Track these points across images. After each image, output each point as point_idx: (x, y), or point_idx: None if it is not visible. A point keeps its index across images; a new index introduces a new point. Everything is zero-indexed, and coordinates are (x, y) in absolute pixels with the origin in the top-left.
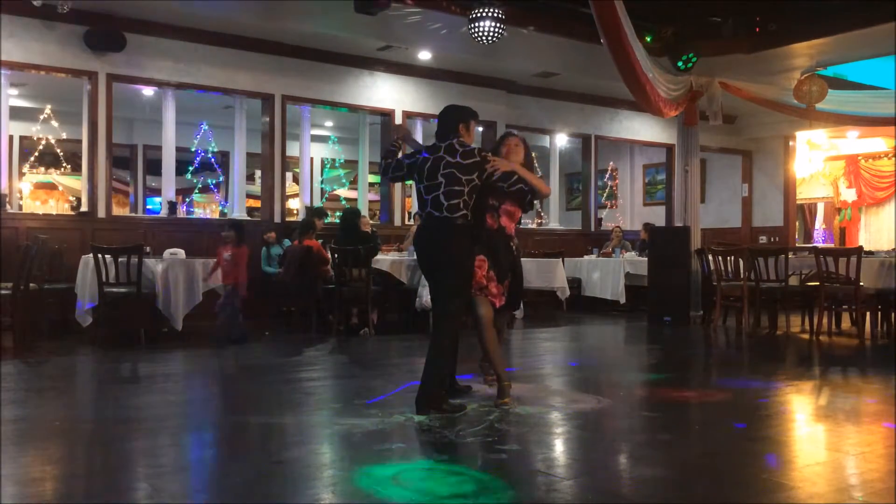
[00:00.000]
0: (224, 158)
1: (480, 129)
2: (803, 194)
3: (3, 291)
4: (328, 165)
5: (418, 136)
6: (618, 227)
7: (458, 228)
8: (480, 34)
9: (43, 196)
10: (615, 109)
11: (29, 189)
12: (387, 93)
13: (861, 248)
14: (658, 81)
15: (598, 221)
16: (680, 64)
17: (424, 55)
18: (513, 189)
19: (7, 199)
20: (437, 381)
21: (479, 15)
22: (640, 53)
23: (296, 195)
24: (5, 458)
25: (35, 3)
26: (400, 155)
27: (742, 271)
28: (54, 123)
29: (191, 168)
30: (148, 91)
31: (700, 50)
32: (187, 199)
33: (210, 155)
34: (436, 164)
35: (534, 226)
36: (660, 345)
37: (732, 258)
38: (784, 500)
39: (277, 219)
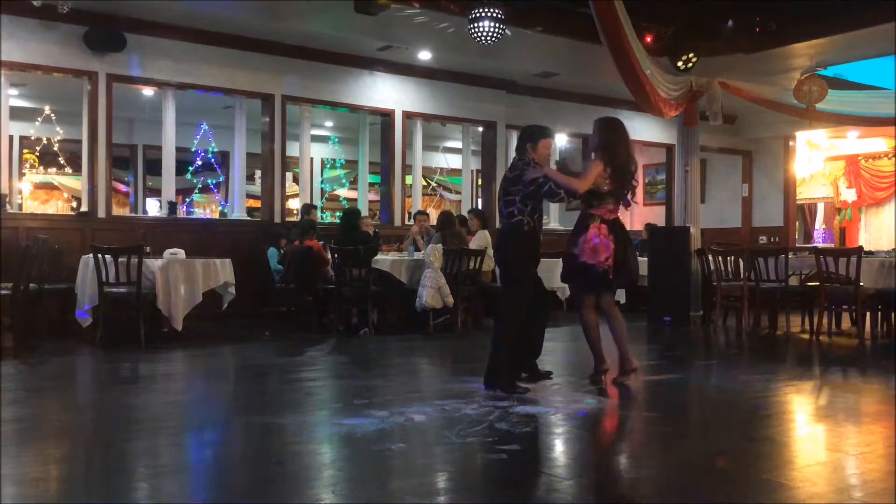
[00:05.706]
0: (224, 158)
1: (480, 129)
2: (803, 194)
3: (3, 291)
4: (328, 165)
5: (418, 136)
6: None
7: (510, 234)
8: (480, 34)
9: (43, 196)
10: (615, 109)
11: (29, 189)
12: (387, 93)
13: (861, 248)
14: (658, 81)
15: None
16: (680, 64)
17: (424, 55)
18: (544, 190)
19: (7, 199)
20: (499, 364)
21: (479, 15)
22: (640, 53)
23: (296, 195)
24: (5, 458)
25: (35, 3)
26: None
27: (742, 271)
28: (54, 123)
29: (191, 168)
30: (148, 91)
31: (700, 50)
32: (187, 199)
33: (210, 155)
34: (503, 180)
35: None
36: (660, 345)
37: (732, 258)
38: (784, 500)
39: (277, 219)
